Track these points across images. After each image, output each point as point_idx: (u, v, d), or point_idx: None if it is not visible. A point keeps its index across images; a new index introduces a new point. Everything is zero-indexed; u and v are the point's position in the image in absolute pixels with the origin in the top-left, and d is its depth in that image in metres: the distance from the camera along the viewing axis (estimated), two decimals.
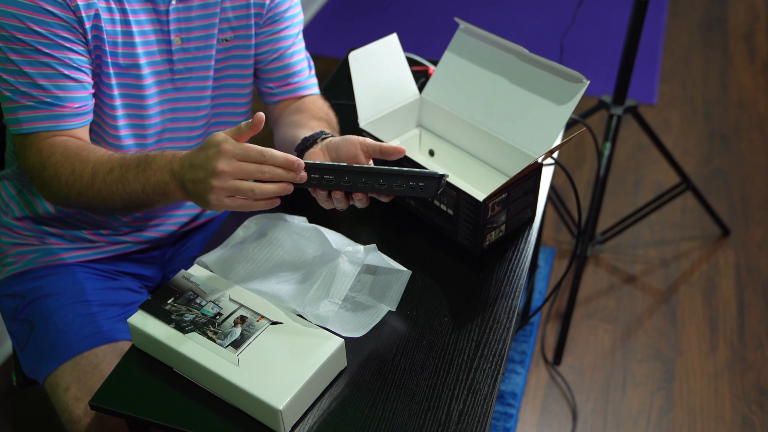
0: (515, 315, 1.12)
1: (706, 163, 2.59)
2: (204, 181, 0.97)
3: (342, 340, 1.01)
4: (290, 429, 0.96)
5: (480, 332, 1.09)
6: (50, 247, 1.32)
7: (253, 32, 1.27)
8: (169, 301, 1.06)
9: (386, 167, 1.02)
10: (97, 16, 1.11)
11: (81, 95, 1.14)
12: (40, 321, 1.25)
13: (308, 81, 1.38)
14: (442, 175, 1.01)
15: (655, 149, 2.47)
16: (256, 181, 0.99)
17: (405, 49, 1.42)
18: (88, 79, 1.14)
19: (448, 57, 1.37)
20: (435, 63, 1.64)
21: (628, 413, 1.84)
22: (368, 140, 1.09)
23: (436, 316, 1.11)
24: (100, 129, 1.22)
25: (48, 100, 1.11)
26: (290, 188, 1.00)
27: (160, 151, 1.07)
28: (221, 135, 0.98)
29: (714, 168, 2.57)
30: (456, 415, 0.98)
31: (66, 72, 1.11)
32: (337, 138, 1.14)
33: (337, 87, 1.63)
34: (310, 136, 1.18)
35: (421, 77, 1.56)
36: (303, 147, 1.17)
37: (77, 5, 1.08)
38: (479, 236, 1.17)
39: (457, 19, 1.36)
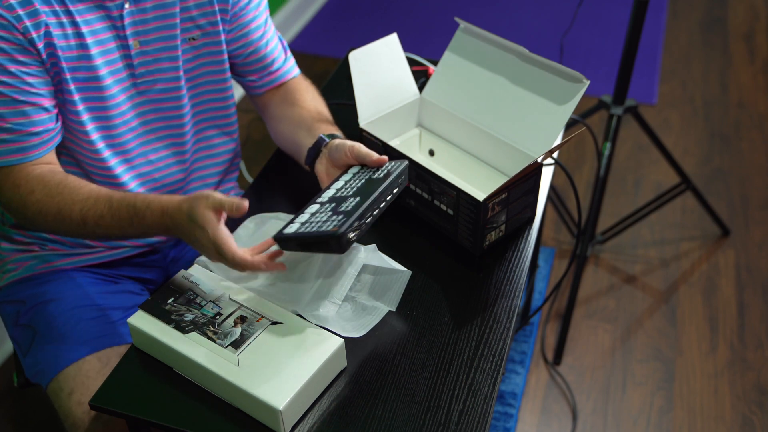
0: (515, 315, 1.12)
1: (706, 163, 2.59)
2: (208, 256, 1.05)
3: (342, 340, 1.01)
4: (290, 429, 0.96)
5: (480, 332, 1.09)
6: (50, 253, 1.31)
7: (221, 28, 1.25)
8: (169, 301, 1.06)
9: (359, 202, 1.01)
10: (48, 34, 1.08)
11: (43, 118, 1.12)
12: (42, 326, 1.24)
13: (287, 65, 1.39)
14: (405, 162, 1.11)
15: (655, 149, 2.47)
16: None
17: (405, 49, 1.42)
18: (49, 101, 1.13)
19: (448, 57, 1.37)
20: (435, 63, 1.64)
21: (628, 413, 1.84)
22: (357, 147, 1.13)
23: (436, 316, 1.11)
24: (78, 147, 1.21)
25: (12, 129, 1.10)
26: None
27: (143, 199, 1.07)
28: (201, 218, 1.00)
29: (714, 168, 2.57)
30: (456, 415, 0.98)
31: (25, 99, 1.09)
32: (334, 144, 1.17)
33: (337, 87, 1.63)
34: (312, 148, 1.21)
35: (421, 77, 1.56)
36: (311, 162, 1.22)
37: (26, 27, 1.06)
38: (479, 236, 1.17)
39: (457, 19, 1.36)
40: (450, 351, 1.06)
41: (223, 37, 1.26)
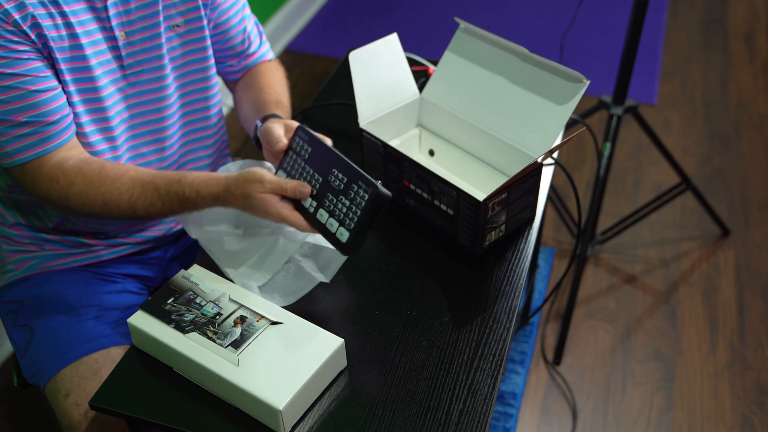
0: (515, 315, 1.12)
1: (706, 163, 2.59)
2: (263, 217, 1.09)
3: (342, 340, 1.01)
4: (290, 429, 0.96)
5: (480, 332, 1.09)
6: (49, 253, 1.31)
7: (202, 14, 1.25)
8: (169, 301, 1.06)
9: (344, 171, 1.04)
10: (36, 25, 1.08)
11: (58, 105, 1.12)
12: (40, 326, 1.24)
13: (262, 49, 1.41)
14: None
15: (655, 149, 2.47)
16: None
17: (405, 49, 1.42)
18: (56, 84, 1.12)
19: (448, 57, 1.37)
20: (435, 63, 1.64)
21: (628, 413, 1.84)
22: (269, 129, 1.16)
23: (436, 316, 1.11)
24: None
25: (29, 122, 1.09)
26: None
27: (190, 186, 1.09)
28: (261, 203, 1.05)
29: (714, 168, 2.57)
30: (456, 415, 0.98)
31: (36, 87, 1.09)
32: (264, 129, 1.18)
33: (337, 87, 1.63)
34: (255, 137, 1.25)
35: (421, 77, 1.56)
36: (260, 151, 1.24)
37: (15, 20, 1.06)
38: (479, 236, 1.17)
39: (457, 19, 1.36)
40: (450, 351, 1.06)
41: (205, 23, 1.27)
